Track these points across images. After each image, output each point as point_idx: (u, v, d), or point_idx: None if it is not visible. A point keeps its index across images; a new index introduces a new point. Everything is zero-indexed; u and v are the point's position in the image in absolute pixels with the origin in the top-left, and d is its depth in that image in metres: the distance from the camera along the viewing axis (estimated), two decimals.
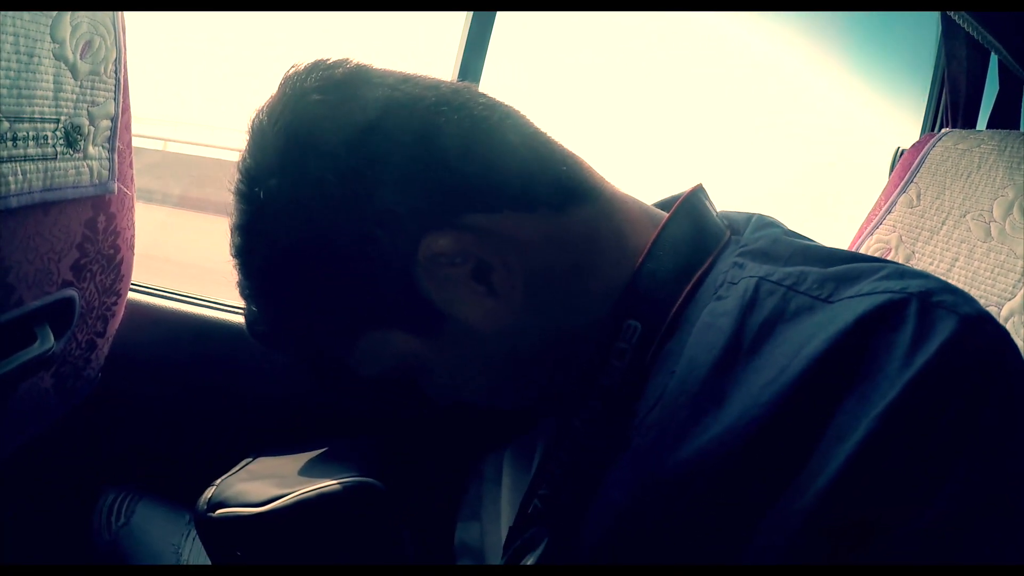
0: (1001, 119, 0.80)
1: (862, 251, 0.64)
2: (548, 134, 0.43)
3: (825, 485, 0.27)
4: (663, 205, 0.47)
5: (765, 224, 0.42)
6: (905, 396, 0.27)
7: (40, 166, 0.50)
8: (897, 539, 0.27)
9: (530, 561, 0.39)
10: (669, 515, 0.31)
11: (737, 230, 0.43)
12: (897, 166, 0.65)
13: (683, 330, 0.36)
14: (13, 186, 0.48)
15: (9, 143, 0.47)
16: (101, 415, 0.79)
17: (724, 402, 0.31)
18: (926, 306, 0.29)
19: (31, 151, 0.49)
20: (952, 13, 0.64)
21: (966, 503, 0.27)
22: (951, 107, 0.83)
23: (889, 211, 0.63)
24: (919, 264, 0.58)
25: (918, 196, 0.61)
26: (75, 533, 0.79)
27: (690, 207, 0.42)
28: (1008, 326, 0.48)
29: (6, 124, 0.47)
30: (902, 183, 0.63)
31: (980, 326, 0.29)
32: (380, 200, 0.37)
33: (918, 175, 0.62)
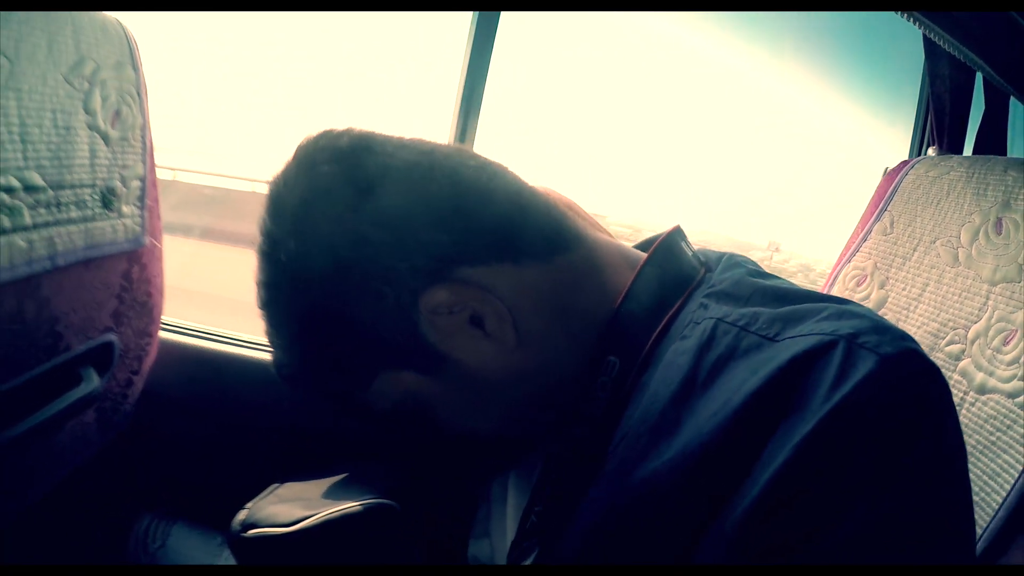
0: (988, 137, 0.82)
1: (840, 277, 0.67)
2: (533, 187, 0.48)
3: (745, 509, 0.30)
4: (643, 245, 0.51)
5: (732, 264, 0.46)
6: (820, 427, 0.30)
7: (82, 227, 0.56)
8: (812, 555, 0.30)
9: (526, 564, 0.43)
10: (628, 530, 0.35)
11: (711, 268, 0.47)
12: (873, 194, 0.68)
13: (655, 365, 0.40)
14: (60, 247, 0.53)
15: (54, 208, 0.53)
16: (136, 446, 0.85)
17: (678, 431, 0.35)
18: (851, 347, 0.33)
19: (73, 215, 0.55)
20: (931, 34, 0.67)
21: (877, 530, 0.30)
22: (936, 127, 0.85)
23: (865, 239, 0.66)
24: (893, 289, 0.60)
25: (891, 224, 0.63)
26: (113, 555, 0.84)
27: (665, 250, 0.46)
28: (974, 348, 0.50)
29: (51, 192, 0.53)
30: (877, 211, 0.65)
31: (901, 363, 0.32)
32: (384, 260, 0.41)
33: (892, 203, 0.64)
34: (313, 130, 0.46)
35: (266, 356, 0.90)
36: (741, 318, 0.38)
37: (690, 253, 0.48)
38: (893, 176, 0.67)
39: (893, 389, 0.31)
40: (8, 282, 0.50)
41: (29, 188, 0.51)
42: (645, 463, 0.35)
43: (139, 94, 0.63)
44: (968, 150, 0.86)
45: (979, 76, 0.84)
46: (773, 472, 0.30)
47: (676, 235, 0.48)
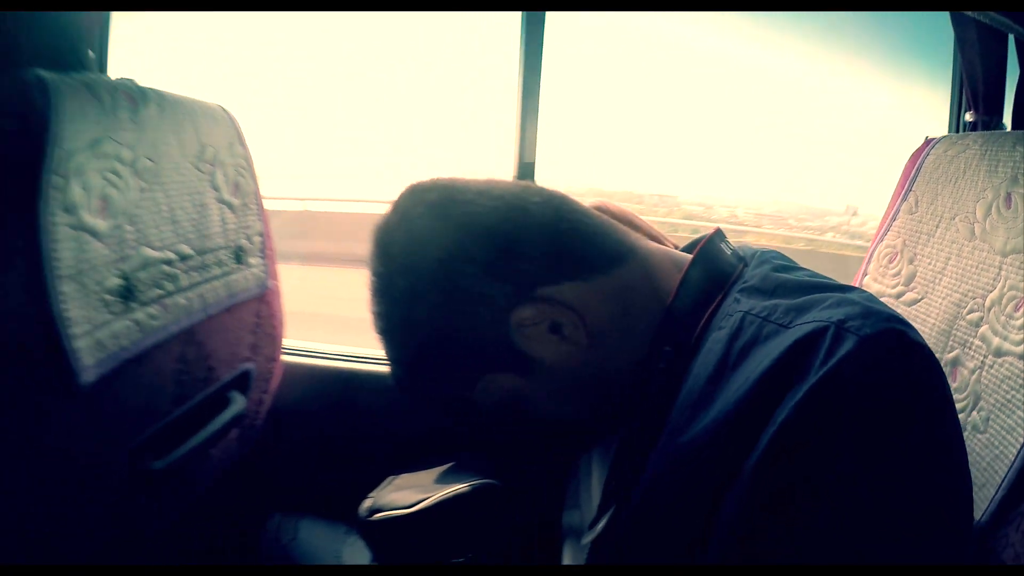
0: None
1: (875, 255, 0.72)
2: (591, 210, 0.57)
3: (757, 457, 0.39)
4: (689, 247, 0.60)
5: (762, 261, 0.54)
6: (808, 396, 0.38)
7: (223, 281, 0.70)
8: (811, 500, 0.38)
9: (603, 522, 0.52)
10: (674, 484, 0.44)
11: (747, 263, 0.55)
12: (900, 176, 0.72)
13: (700, 352, 0.49)
14: (210, 299, 0.67)
15: (201, 270, 0.67)
16: (263, 456, 0.99)
17: (711, 404, 0.43)
18: (839, 331, 0.40)
19: (215, 272, 0.69)
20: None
21: (861, 502, 0.37)
22: (971, 94, 0.87)
23: (894, 218, 0.70)
24: (921, 264, 0.65)
25: (916, 203, 0.68)
26: (249, 552, 0.99)
27: (706, 253, 0.55)
28: (991, 315, 0.55)
29: (197, 258, 0.67)
30: (903, 192, 0.70)
31: (879, 342, 0.39)
32: (478, 288, 0.51)
33: (915, 183, 0.69)
34: (406, 179, 0.57)
35: (366, 367, 1.04)
36: (764, 310, 0.46)
37: (728, 252, 0.56)
38: (916, 157, 0.71)
39: (873, 366, 0.39)
40: (175, 334, 0.64)
41: (183, 257, 0.65)
42: (687, 431, 0.44)
43: (249, 165, 0.76)
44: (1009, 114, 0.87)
45: (1012, 40, 0.86)
46: (775, 428, 0.38)
47: (716, 237, 0.57)
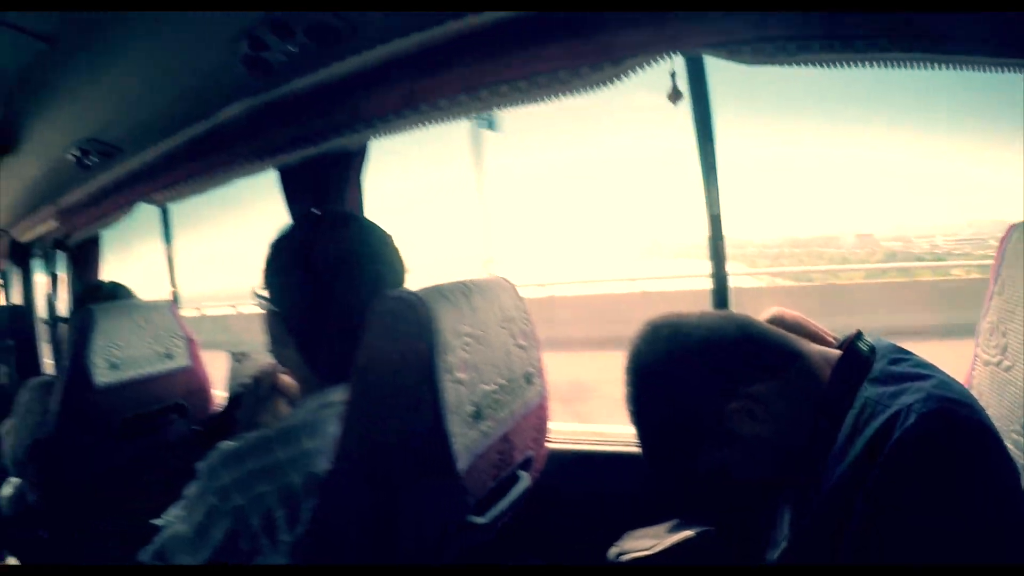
0: None
1: (982, 332, 0.93)
2: (770, 327, 0.87)
3: (864, 495, 0.65)
4: (840, 344, 0.88)
5: (882, 356, 0.80)
6: (887, 456, 0.64)
7: (522, 399, 1.12)
8: (888, 524, 0.64)
9: (784, 544, 0.80)
10: (823, 513, 0.72)
11: (877, 353, 0.81)
12: (993, 261, 0.91)
13: (843, 425, 0.76)
14: (516, 412, 1.09)
15: (511, 393, 1.08)
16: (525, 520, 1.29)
17: (844, 460, 0.71)
18: (908, 411, 0.66)
19: (518, 394, 1.11)
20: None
21: (908, 529, 0.62)
22: None
23: (991, 299, 0.90)
24: (1011, 336, 0.84)
25: (1003, 286, 0.87)
26: None
27: (849, 352, 0.82)
28: None
29: (508, 385, 1.08)
30: (995, 276, 0.90)
31: (929, 418, 0.64)
32: (702, 391, 0.83)
33: (1002, 268, 0.88)
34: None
35: (605, 448, 1.40)
36: (877, 395, 0.73)
37: (865, 347, 0.83)
38: (1002, 245, 0.91)
39: (924, 435, 0.64)
40: (498, 438, 1.04)
41: (501, 387, 1.06)
42: (830, 478, 0.72)
43: (528, 317, 1.19)
44: None
45: None
46: (872, 480, 0.65)
47: (856, 338, 0.84)
